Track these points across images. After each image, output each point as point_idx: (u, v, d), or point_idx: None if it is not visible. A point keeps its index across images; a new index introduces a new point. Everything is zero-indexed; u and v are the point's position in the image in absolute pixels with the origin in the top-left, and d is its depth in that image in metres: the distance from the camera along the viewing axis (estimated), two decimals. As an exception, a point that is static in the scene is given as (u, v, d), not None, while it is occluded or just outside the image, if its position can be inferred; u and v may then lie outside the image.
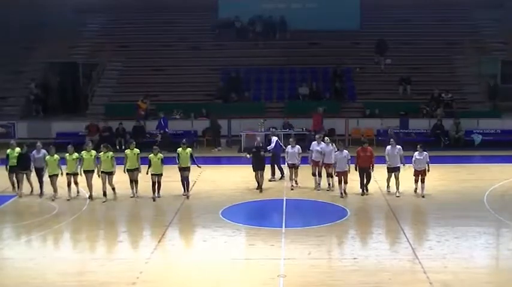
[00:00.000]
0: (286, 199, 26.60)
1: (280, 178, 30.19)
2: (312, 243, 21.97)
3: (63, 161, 27.53)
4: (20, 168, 27.70)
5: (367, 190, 27.52)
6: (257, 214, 25.37)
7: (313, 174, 28.65)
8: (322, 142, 28.45)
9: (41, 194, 27.80)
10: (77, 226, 24.25)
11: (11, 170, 27.95)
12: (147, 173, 27.07)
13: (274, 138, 30.44)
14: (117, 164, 27.28)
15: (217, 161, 35.99)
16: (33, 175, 28.12)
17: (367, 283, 18.40)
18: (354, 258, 20.96)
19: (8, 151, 28.05)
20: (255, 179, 28.52)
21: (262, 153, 28.69)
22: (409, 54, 45.28)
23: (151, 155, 27.10)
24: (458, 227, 23.19)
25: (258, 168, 28.45)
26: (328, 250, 21.94)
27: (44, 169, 27.65)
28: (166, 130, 39.21)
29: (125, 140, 38.53)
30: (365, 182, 27.36)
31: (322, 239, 22.49)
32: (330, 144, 28.44)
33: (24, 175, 27.88)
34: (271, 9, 48.20)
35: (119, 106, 42.57)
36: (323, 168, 28.34)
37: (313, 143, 28.97)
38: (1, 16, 47.98)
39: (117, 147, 37.64)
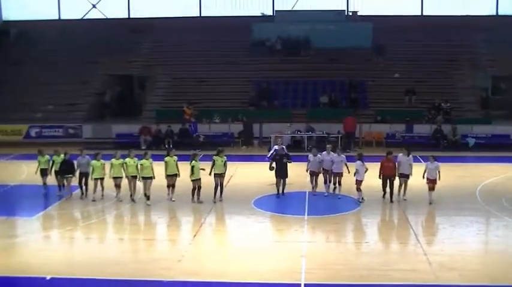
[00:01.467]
0: (308, 192, 26.62)
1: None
2: (330, 229, 22.03)
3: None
4: (63, 173, 26.19)
5: (391, 198, 25.14)
6: (284, 204, 25.33)
7: (324, 181, 26.30)
8: (332, 152, 26.30)
9: (84, 196, 26.10)
10: (130, 212, 24.50)
11: (56, 174, 26.59)
12: (209, 174, 25.25)
13: (275, 147, 28.06)
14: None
15: (250, 158, 36.05)
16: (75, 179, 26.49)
17: (377, 263, 18.40)
18: (366, 242, 21.01)
19: (54, 156, 26.71)
20: (275, 186, 26.47)
21: (285, 160, 26.37)
22: (414, 70, 45.14)
23: (216, 157, 25.29)
24: (454, 216, 23.16)
25: (281, 175, 26.19)
26: (343, 235, 21.98)
27: (89, 173, 25.96)
28: (197, 134, 39.74)
29: (172, 140, 38.86)
30: (389, 190, 25.23)
31: (338, 225, 22.58)
32: (340, 154, 26.24)
33: (66, 179, 26.20)
34: (297, 30, 48.27)
35: (168, 112, 42.74)
36: (332, 176, 26.12)
37: (324, 153, 26.42)
38: (71, 37, 48.68)
39: (166, 146, 37.93)
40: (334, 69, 45.64)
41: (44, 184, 26.71)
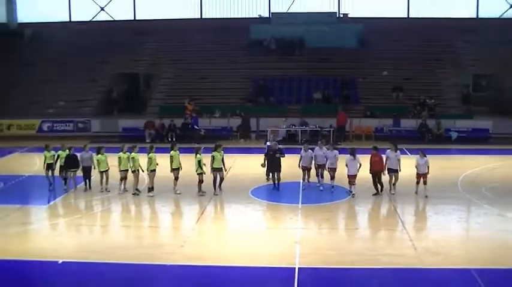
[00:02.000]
0: (302, 182, 26.57)
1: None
2: (322, 217, 22.06)
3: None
4: (68, 167, 25.71)
5: (381, 191, 24.53)
6: (279, 194, 25.26)
7: (316, 175, 25.72)
8: (324, 147, 25.84)
9: (88, 188, 25.60)
10: (135, 202, 24.43)
11: (60, 169, 25.99)
12: (211, 172, 24.68)
13: (268, 143, 27.42)
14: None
15: (248, 151, 36.03)
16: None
17: (366, 248, 18.49)
18: (356, 228, 21.08)
19: (59, 151, 26.07)
20: (271, 181, 25.88)
21: (277, 155, 25.49)
22: (401, 68, 45.09)
23: (214, 152, 24.64)
24: (438, 205, 23.21)
25: (272, 170, 25.56)
26: (335, 222, 22.06)
27: (92, 167, 25.54)
28: (197, 127, 39.87)
29: (175, 134, 38.88)
30: (378, 184, 24.50)
31: (331, 213, 22.63)
32: (332, 149, 25.63)
33: (72, 173, 25.80)
34: (292, 31, 48.26)
35: (171, 107, 42.68)
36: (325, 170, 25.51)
37: (317, 148, 25.90)
38: (81, 38, 48.67)
39: (169, 139, 38.02)
40: (327, 67, 45.64)
41: (48, 176, 25.93)
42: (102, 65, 47.18)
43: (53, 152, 26.22)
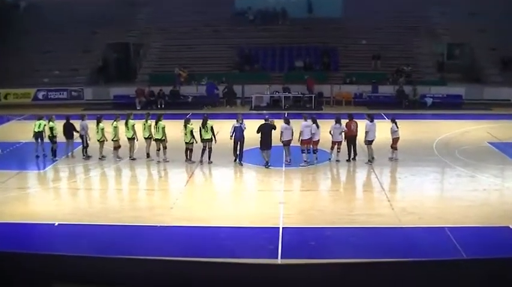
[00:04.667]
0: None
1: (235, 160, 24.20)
2: (305, 179, 22.19)
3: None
4: (65, 136, 24.92)
5: (354, 158, 23.85)
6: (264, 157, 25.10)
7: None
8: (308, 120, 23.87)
9: (86, 156, 24.83)
10: (128, 166, 24.34)
11: (50, 139, 24.77)
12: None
13: (235, 124, 24.20)
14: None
15: (234, 116, 35.82)
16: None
17: (346, 209, 18.60)
18: (337, 190, 21.20)
19: (41, 121, 25.09)
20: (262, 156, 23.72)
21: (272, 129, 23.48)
22: (379, 37, 44.85)
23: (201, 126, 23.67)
24: (414, 167, 23.31)
25: (267, 147, 23.34)
26: (317, 184, 22.13)
27: (87, 135, 24.65)
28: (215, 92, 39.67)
29: (164, 101, 38.69)
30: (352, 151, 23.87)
31: (313, 175, 22.73)
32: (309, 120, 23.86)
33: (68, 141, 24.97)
34: (275, 1, 47.98)
35: (160, 76, 42.34)
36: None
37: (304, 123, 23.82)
38: (73, 9, 48.05)
39: (158, 106, 37.87)
40: (309, 36, 45.32)
41: (38, 145, 25.13)
42: (94, 36, 46.68)
43: (41, 122, 25.20)
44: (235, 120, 24.32)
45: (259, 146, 23.63)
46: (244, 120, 24.43)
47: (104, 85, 43.19)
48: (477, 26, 44.09)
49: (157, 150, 24.17)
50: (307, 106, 37.33)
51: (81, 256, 4.92)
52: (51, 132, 24.80)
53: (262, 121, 23.97)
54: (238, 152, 23.81)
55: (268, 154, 23.37)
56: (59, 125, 25.15)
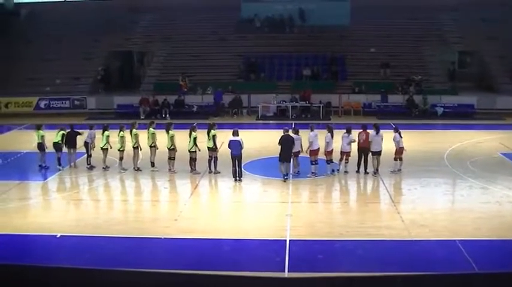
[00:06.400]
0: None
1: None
2: (313, 191, 22.19)
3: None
4: (67, 146, 25.09)
5: (366, 170, 23.81)
6: (271, 168, 25.12)
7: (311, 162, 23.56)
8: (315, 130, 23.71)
9: (88, 163, 25.06)
10: (132, 177, 24.38)
11: (55, 147, 25.04)
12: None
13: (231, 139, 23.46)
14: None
15: (239, 126, 35.89)
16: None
17: (354, 221, 18.59)
18: (344, 202, 21.17)
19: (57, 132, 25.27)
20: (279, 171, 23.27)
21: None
22: (389, 45, 44.93)
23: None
24: (424, 178, 23.27)
25: (286, 159, 22.98)
26: (324, 195, 22.13)
27: (91, 144, 24.94)
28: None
29: (169, 110, 38.80)
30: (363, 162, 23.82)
31: (321, 187, 22.73)
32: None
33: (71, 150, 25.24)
34: (282, 9, 48.06)
35: (164, 84, 42.49)
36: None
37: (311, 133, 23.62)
38: (75, 16, 48.29)
39: (163, 116, 37.97)
40: (316, 45, 45.42)
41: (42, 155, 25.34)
42: (97, 44, 46.86)
43: (41, 132, 25.45)
44: (231, 132, 23.69)
45: (278, 158, 23.22)
46: (240, 134, 23.75)
47: (105, 94, 43.34)
48: (489, 33, 44.18)
49: (168, 159, 24.31)
50: (309, 116, 37.41)
51: (84, 268, 4.97)
52: (41, 139, 25.05)
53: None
54: (237, 168, 23.12)
55: (287, 167, 23.19)
56: (50, 135, 25.35)
